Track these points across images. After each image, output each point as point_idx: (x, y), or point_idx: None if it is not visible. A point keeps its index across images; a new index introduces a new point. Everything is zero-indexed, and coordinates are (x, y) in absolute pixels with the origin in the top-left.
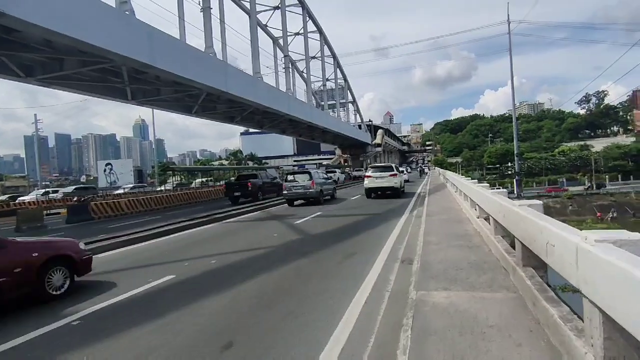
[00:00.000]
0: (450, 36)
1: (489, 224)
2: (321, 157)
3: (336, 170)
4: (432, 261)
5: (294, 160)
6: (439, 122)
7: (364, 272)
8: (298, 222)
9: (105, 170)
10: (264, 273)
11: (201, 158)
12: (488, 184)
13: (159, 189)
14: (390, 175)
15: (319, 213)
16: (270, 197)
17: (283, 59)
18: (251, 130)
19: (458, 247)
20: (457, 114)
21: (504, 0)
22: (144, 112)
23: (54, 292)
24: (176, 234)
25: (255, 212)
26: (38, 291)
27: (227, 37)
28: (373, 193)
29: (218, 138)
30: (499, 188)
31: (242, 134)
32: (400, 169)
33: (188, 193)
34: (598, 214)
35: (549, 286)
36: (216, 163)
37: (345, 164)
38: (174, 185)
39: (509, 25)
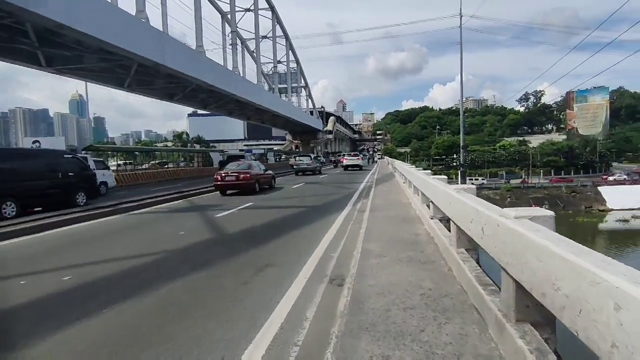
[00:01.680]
0: (404, 25)
1: (449, 230)
2: (272, 142)
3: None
4: (370, 289)
5: (244, 145)
6: (390, 112)
7: (271, 303)
8: (222, 214)
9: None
10: (126, 301)
11: (146, 139)
12: (446, 177)
13: None
14: (357, 158)
15: (250, 204)
16: None
17: (230, 34)
18: (200, 111)
19: (407, 262)
20: (407, 105)
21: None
22: (82, 86)
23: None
24: (56, 230)
25: (178, 201)
26: (270, 186)
27: (172, 10)
28: (348, 168)
29: (165, 119)
30: (472, 181)
31: (189, 115)
32: (360, 155)
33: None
34: (532, 206)
35: None
36: (160, 144)
37: (297, 149)
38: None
39: (460, 18)
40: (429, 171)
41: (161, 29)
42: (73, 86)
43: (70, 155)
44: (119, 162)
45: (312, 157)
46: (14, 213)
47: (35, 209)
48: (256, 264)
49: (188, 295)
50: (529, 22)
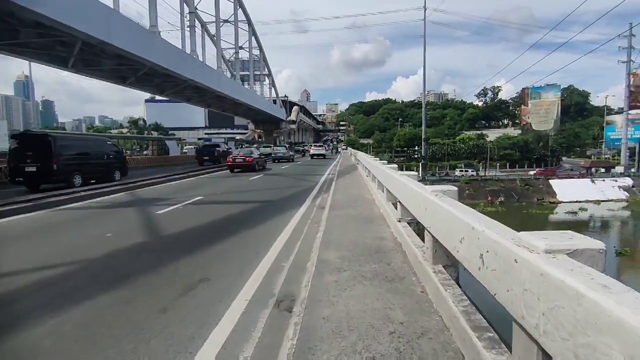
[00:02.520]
0: (369, 16)
1: (420, 236)
2: (234, 131)
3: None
4: (324, 326)
5: (205, 133)
6: (354, 103)
7: (193, 344)
8: (163, 211)
9: None
10: None
11: (100, 125)
12: (416, 174)
13: None
14: (322, 148)
15: (199, 198)
16: (222, 164)
17: (189, 15)
18: (158, 97)
19: (371, 279)
20: (370, 97)
21: None
22: (29, 67)
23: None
24: None
25: (121, 193)
26: (263, 167)
27: None
28: (314, 156)
29: (122, 104)
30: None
31: (147, 101)
32: (324, 146)
33: None
34: (489, 198)
35: None
36: (115, 131)
37: (260, 139)
38: None
39: (424, 11)
40: (395, 166)
41: (111, 6)
42: (19, 67)
43: (110, 142)
44: None
45: (287, 147)
46: (80, 183)
47: (91, 182)
48: (188, 278)
49: (76, 333)
50: (488, 18)
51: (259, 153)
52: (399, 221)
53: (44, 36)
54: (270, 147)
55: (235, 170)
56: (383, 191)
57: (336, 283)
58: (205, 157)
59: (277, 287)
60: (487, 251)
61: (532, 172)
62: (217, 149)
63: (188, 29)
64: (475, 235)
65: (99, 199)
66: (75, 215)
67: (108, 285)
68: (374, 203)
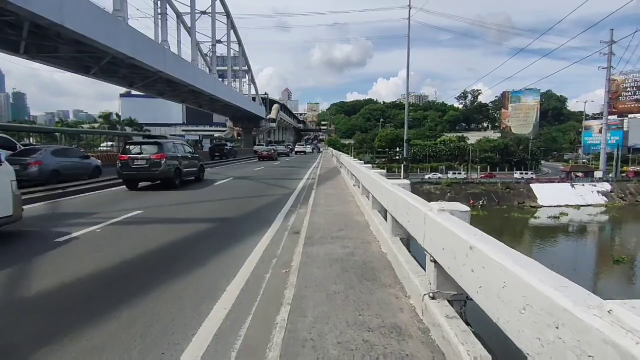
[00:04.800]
0: (353, 14)
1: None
2: (213, 128)
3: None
4: None
5: (182, 130)
6: (335, 103)
7: None
8: (72, 235)
9: None
10: None
11: (74, 119)
12: (467, 208)
13: None
14: (304, 146)
15: (138, 212)
16: (228, 159)
17: (160, 2)
18: (134, 92)
19: None
20: (352, 97)
21: None
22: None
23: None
24: None
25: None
26: (276, 159)
27: None
28: (299, 153)
29: (97, 99)
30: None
31: (122, 95)
32: (307, 145)
33: None
34: (471, 201)
35: None
36: (86, 126)
37: (239, 137)
38: None
39: (409, 10)
40: (407, 182)
41: None
42: None
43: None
44: None
45: (285, 146)
46: None
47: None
48: None
49: None
50: (468, 20)
51: (274, 148)
52: (433, 298)
53: None
54: (275, 145)
55: (262, 159)
56: (386, 219)
57: None
58: (216, 153)
59: None
60: None
61: (516, 175)
62: (226, 147)
63: (160, 16)
64: None
65: None
66: None
67: None
68: (367, 231)
